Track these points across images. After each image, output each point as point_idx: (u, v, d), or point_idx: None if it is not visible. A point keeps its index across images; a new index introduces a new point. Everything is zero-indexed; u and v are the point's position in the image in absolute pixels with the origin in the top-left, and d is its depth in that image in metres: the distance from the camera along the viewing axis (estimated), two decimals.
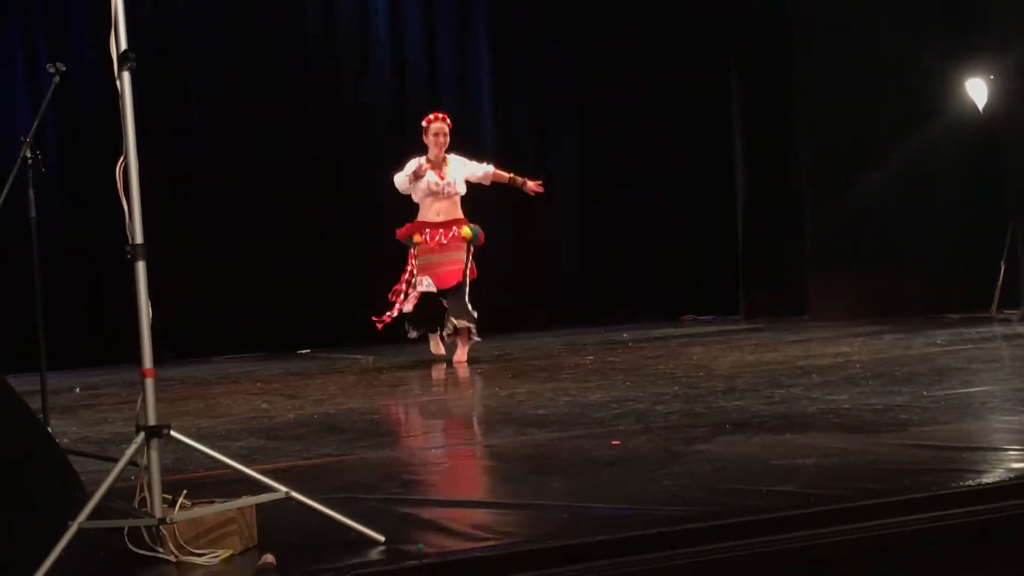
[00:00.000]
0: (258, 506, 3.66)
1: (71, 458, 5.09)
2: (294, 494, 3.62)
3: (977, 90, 10.66)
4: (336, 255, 11.61)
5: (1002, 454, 4.44)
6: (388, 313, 9.16)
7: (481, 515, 3.93)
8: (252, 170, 11.26)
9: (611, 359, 8.84)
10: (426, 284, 9.03)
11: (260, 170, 11.28)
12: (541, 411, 6.20)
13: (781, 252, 11.92)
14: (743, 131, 12.15)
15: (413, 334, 9.43)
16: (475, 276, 9.18)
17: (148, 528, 3.47)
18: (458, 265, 9.09)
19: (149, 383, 3.48)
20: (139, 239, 3.49)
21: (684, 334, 10.72)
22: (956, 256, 10.94)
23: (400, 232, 9.29)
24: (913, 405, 5.61)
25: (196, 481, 4.43)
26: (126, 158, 3.49)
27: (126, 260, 3.50)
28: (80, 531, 3.33)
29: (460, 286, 9.05)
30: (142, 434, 3.46)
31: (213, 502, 3.60)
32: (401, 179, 9.17)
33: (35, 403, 5.79)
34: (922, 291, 10.98)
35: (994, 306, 10.33)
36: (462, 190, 9.20)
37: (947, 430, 4.93)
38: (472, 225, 9.20)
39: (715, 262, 12.47)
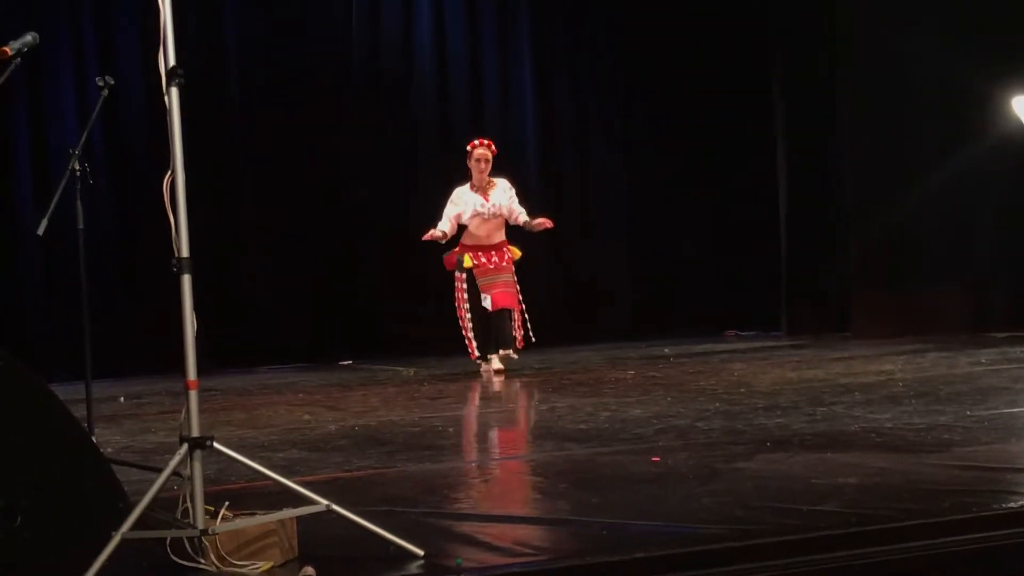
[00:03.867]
0: (299, 518, 3.68)
1: (115, 468, 5.15)
2: (335, 507, 3.64)
3: (1022, 108, 10.58)
4: (378, 266, 11.65)
5: None
6: (472, 350, 9.35)
7: (520, 530, 3.94)
8: (295, 182, 11.32)
9: (652, 374, 8.83)
10: (488, 302, 9.17)
11: (303, 181, 11.34)
12: (581, 426, 6.21)
13: (824, 268, 11.86)
14: (786, 147, 12.10)
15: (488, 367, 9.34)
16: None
17: (190, 539, 3.50)
18: (512, 288, 9.29)
19: (193, 395, 3.51)
20: (185, 253, 3.52)
21: (726, 350, 10.68)
22: (1001, 273, 10.85)
23: (449, 260, 9.40)
24: (956, 425, 5.57)
25: (238, 492, 4.46)
26: (173, 173, 3.53)
27: (172, 272, 3.53)
28: (123, 541, 3.36)
29: (511, 312, 9.23)
30: (185, 445, 3.48)
31: (255, 514, 3.63)
32: (441, 229, 9.31)
33: (80, 412, 5.85)
34: (966, 309, 10.89)
35: None
36: (506, 213, 9.36)
37: (990, 451, 4.90)
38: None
39: (758, 278, 12.43)
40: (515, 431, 6.59)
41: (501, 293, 9.21)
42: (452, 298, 9.46)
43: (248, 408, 7.92)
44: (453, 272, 9.42)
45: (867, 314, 11.31)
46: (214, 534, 3.45)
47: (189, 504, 3.49)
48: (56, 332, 10.42)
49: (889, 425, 5.68)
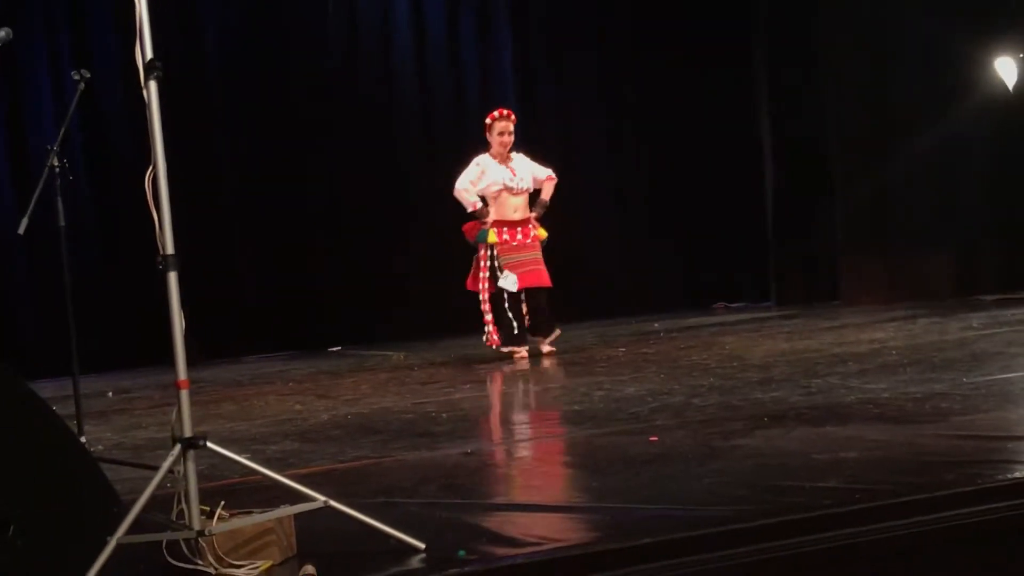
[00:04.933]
0: (297, 514, 3.63)
1: (107, 466, 5.09)
2: (332, 503, 3.58)
3: (1006, 68, 10.54)
4: (363, 252, 11.59)
5: None
6: (491, 335, 8.82)
7: (522, 519, 3.88)
8: (279, 170, 11.25)
9: (644, 351, 8.79)
10: (511, 282, 8.70)
11: (289, 169, 11.27)
12: (576, 407, 6.16)
13: (811, 237, 11.85)
14: (770, 116, 12.06)
15: (523, 352, 8.83)
16: None
17: (187, 540, 3.44)
18: (542, 265, 8.85)
19: (184, 395, 3.44)
20: (170, 250, 3.45)
21: (716, 323, 10.66)
22: (988, 236, 10.84)
23: (470, 229, 8.88)
24: (953, 393, 5.54)
25: (234, 487, 4.40)
26: (155, 168, 3.45)
27: (158, 270, 3.46)
28: (119, 545, 3.30)
29: (546, 290, 8.85)
30: (178, 446, 3.42)
31: (251, 512, 3.57)
32: (464, 189, 8.81)
33: (69, 408, 5.79)
34: (954, 272, 10.89)
35: None
36: (531, 186, 8.95)
37: (989, 419, 4.86)
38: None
39: (745, 248, 12.40)
40: (510, 415, 6.53)
41: (531, 272, 8.76)
42: (459, 279, 9.03)
43: (239, 399, 7.86)
44: (473, 245, 8.89)
45: (856, 281, 11.32)
46: (211, 535, 3.39)
47: (184, 505, 3.43)
48: (42, 329, 10.34)
49: (886, 395, 5.64)
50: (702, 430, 5.14)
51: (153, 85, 3.45)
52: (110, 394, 8.79)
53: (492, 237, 8.77)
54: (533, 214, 8.95)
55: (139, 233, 3.63)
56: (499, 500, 4.22)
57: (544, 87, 12.42)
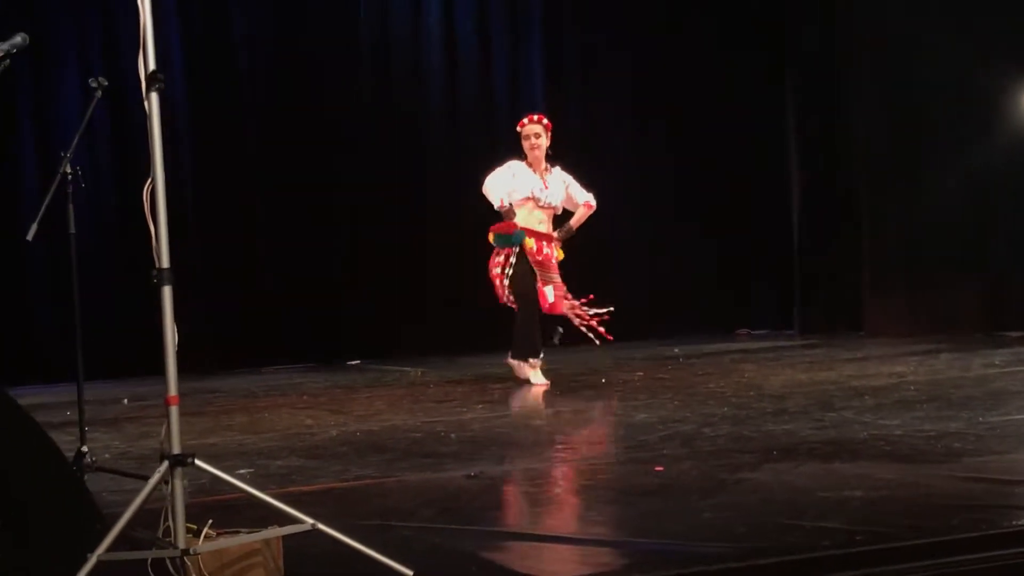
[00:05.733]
0: (285, 536, 3.57)
1: (107, 477, 5.06)
2: (320, 526, 3.52)
3: None
4: (387, 264, 11.54)
5: None
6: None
7: (515, 548, 3.82)
8: (304, 178, 11.20)
9: (661, 376, 8.71)
10: (550, 295, 8.30)
11: (312, 178, 11.22)
12: (586, 432, 6.10)
13: (837, 267, 11.74)
14: (798, 144, 11.98)
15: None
16: None
17: (171, 559, 3.39)
18: (562, 291, 8.45)
19: (174, 411, 3.39)
20: (166, 263, 3.41)
21: (737, 349, 10.56)
22: (1016, 271, 10.71)
23: (503, 227, 8.29)
24: (967, 432, 5.45)
25: (228, 503, 4.35)
26: (154, 181, 3.42)
27: (152, 284, 3.43)
28: (100, 562, 3.26)
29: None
30: (166, 463, 3.38)
31: (239, 532, 3.52)
32: (493, 188, 8.27)
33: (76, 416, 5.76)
34: (980, 308, 10.77)
35: None
36: (559, 206, 8.49)
37: (1002, 461, 4.78)
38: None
39: (770, 276, 12.31)
40: (518, 438, 6.44)
41: (561, 298, 8.40)
42: (482, 294, 8.60)
43: (251, 411, 7.82)
44: (501, 243, 8.32)
45: (880, 313, 11.21)
46: (196, 554, 3.34)
47: (171, 522, 3.38)
48: (62, 335, 10.32)
49: (899, 432, 5.56)
50: (710, 461, 5.07)
51: (154, 97, 3.43)
52: (125, 401, 8.76)
53: (530, 243, 8.30)
54: (555, 234, 8.57)
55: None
56: (495, 527, 4.15)
57: (572, 93, 12.30)
